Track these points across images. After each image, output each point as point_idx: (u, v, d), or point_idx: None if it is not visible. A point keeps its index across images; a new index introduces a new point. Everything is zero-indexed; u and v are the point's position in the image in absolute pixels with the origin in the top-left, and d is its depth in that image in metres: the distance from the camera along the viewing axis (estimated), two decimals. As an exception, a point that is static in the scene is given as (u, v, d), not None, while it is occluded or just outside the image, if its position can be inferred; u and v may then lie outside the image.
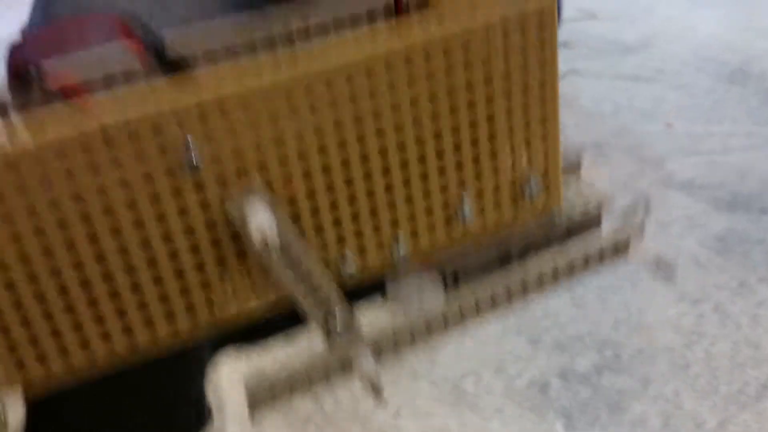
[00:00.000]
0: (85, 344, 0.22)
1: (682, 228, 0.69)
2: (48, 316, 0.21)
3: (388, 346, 0.25)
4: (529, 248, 0.28)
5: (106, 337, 0.22)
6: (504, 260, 0.28)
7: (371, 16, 0.23)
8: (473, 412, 0.51)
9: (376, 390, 0.24)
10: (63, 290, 0.21)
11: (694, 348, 0.56)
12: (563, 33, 0.83)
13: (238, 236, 0.22)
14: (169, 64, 0.21)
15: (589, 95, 0.96)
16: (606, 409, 0.51)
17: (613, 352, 0.56)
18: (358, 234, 0.24)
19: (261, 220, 0.22)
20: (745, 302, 0.61)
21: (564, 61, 0.78)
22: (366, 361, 0.24)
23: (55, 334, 0.21)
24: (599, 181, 0.29)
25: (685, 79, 1.02)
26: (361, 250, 0.24)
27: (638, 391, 0.53)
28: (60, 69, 0.21)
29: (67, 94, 0.21)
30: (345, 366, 0.24)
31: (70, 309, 0.21)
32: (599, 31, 1.19)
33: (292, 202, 0.22)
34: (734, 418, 0.50)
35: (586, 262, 0.27)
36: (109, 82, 0.21)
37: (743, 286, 0.62)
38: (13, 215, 0.20)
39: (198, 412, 0.37)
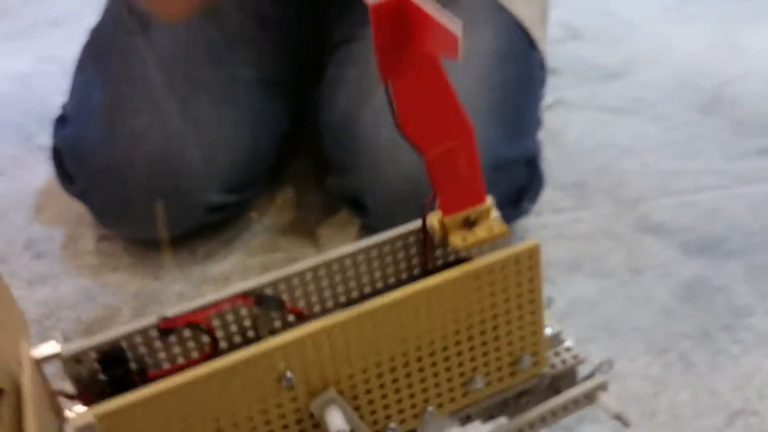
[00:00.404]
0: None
1: (653, 276, 0.78)
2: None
3: None
4: (523, 395, 0.37)
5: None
6: (505, 404, 0.37)
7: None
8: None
9: None
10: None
11: (660, 397, 0.65)
12: (551, 58, 0.90)
13: (318, 425, 0.30)
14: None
15: (573, 130, 1.04)
16: (584, 455, 0.61)
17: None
18: (400, 411, 0.32)
19: (335, 417, 0.30)
20: (705, 351, 0.70)
21: (552, 89, 0.86)
22: None
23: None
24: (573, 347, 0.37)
25: (664, 109, 1.10)
26: (402, 420, 0.32)
27: (606, 420, 0.62)
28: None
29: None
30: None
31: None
32: (583, 54, 1.26)
33: (355, 397, 0.31)
34: (692, 463, 0.60)
35: (565, 409, 0.36)
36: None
37: (705, 335, 0.71)
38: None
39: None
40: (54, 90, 1.22)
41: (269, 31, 0.78)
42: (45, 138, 1.07)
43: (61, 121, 0.79)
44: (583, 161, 0.98)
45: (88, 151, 0.71)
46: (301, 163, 0.94)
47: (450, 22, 0.24)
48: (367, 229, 0.80)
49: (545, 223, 0.85)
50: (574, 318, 0.72)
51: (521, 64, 0.75)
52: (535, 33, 0.78)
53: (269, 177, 0.86)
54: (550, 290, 0.73)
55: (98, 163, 0.70)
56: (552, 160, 0.93)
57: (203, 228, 0.81)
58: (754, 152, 0.99)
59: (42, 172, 0.97)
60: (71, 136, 0.75)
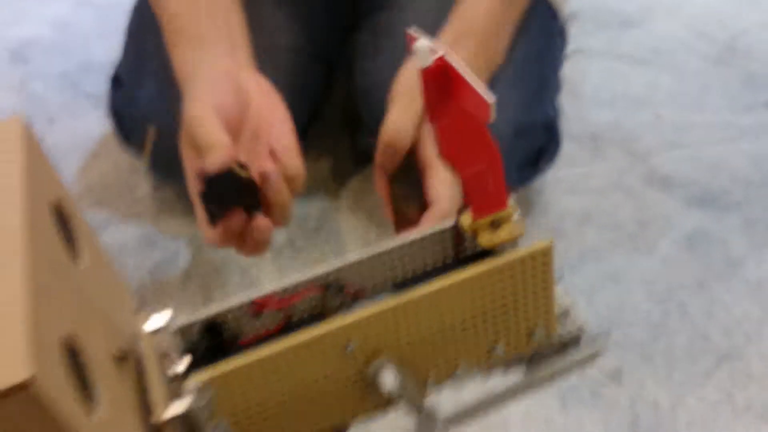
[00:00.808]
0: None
1: (657, 228, 0.86)
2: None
3: (456, 423, 0.42)
4: (536, 356, 0.45)
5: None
6: (521, 361, 0.45)
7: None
8: None
9: None
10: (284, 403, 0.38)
11: (658, 341, 0.74)
12: (572, 2, 0.96)
13: (372, 384, 0.39)
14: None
15: (590, 81, 1.10)
16: (588, 393, 0.69)
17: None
18: (437, 372, 0.40)
19: (387, 378, 0.38)
20: (701, 299, 0.78)
21: (571, 38, 0.92)
22: None
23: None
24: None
25: (678, 59, 1.15)
26: (438, 378, 0.41)
27: (613, 378, 0.71)
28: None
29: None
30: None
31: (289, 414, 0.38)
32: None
33: (401, 362, 0.39)
34: (683, 401, 0.69)
35: (570, 368, 0.44)
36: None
37: (701, 285, 0.79)
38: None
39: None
40: (94, 36, 1.28)
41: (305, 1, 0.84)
42: (91, 86, 1.14)
43: (116, 82, 0.85)
44: (599, 113, 1.04)
45: (146, 113, 0.78)
46: (327, 126, 1.00)
47: (484, 90, 0.31)
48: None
49: (560, 177, 0.92)
50: (584, 269, 0.80)
51: (544, 37, 0.80)
52: (558, 3, 0.83)
53: (302, 138, 0.93)
54: (562, 243, 0.82)
55: (154, 122, 0.78)
56: (569, 113, 0.99)
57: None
58: (761, 105, 1.05)
59: (92, 120, 1.04)
60: (128, 98, 0.82)
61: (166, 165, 0.81)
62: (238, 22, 0.70)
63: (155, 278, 0.81)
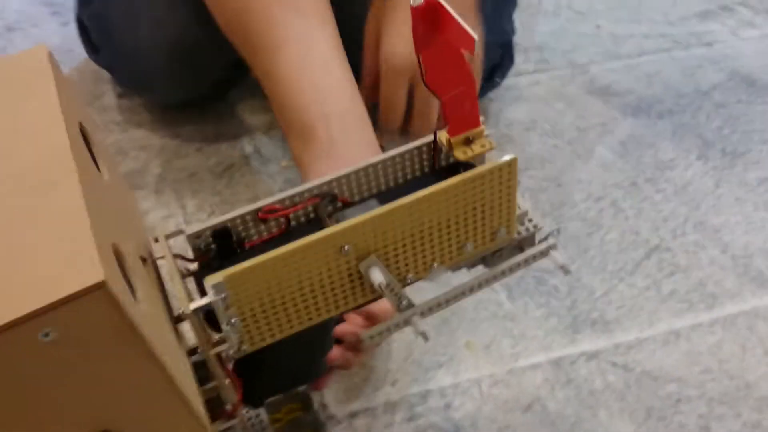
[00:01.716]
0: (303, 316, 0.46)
1: (596, 134, 0.93)
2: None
3: (429, 311, 0.49)
4: (497, 252, 0.52)
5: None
6: (484, 258, 0.52)
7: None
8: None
9: (424, 336, 0.48)
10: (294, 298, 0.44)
11: (593, 236, 0.82)
12: None
13: (363, 279, 0.46)
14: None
15: (535, -8, 1.15)
16: (534, 282, 0.78)
17: (540, 240, 0.81)
18: (415, 267, 0.47)
19: (376, 273, 0.45)
20: (632, 198, 0.86)
21: None
22: (418, 321, 0.49)
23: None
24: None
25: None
26: (416, 272, 0.48)
27: (554, 268, 0.79)
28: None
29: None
30: (406, 323, 0.48)
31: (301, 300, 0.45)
32: None
33: (387, 260, 0.46)
34: (615, 288, 0.78)
35: (526, 261, 0.51)
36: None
37: (633, 185, 0.88)
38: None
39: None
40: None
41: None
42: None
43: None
44: (545, 24, 1.10)
45: (114, 31, 0.81)
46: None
47: (469, 27, 0.37)
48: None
49: (509, 86, 0.98)
50: (530, 171, 0.88)
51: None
52: None
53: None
54: (510, 148, 0.89)
55: (124, 43, 0.81)
56: (518, 23, 1.05)
57: (212, 96, 0.93)
58: (693, 16, 1.12)
59: (53, 29, 1.06)
60: (96, 14, 0.84)
61: (135, 81, 0.85)
62: None
63: (129, 186, 0.85)
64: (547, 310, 0.76)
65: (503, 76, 0.88)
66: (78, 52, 0.93)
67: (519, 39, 1.03)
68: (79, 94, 0.96)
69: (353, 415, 0.68)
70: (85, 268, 0.31)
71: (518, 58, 1.02)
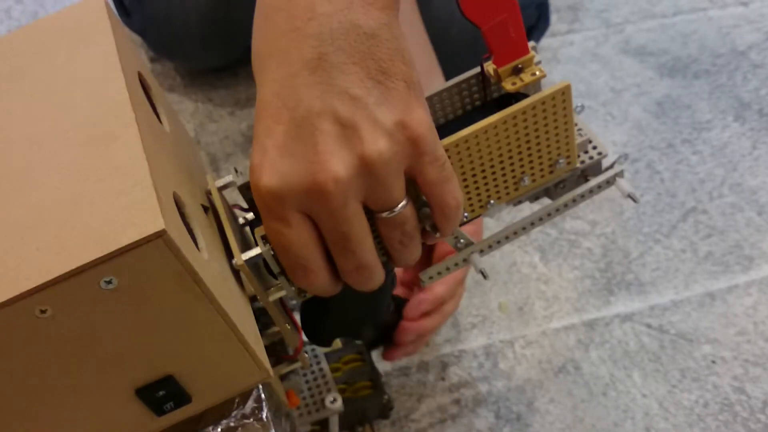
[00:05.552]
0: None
1: (631, 95, 0.92)
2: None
3: (489, 249, 0.48)
4: (560, 183, 0.49)
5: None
6: (547, 190, 0.50)
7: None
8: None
9: (483, 274, 0.47)
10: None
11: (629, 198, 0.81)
12: None
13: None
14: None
15: (569, -49, 1.13)
16: (567, 245, 0.78)
17: (573, 202, 0.81)
18: (471, 205, 0.46)
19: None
20: (669, 160, 0.85)
21: None
22: (477, 258, 0.48)
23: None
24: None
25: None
26: (473, 210, 0.46)
27: (588, 231, 0.79)
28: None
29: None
30: (465, 261, 0.47)
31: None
32: None
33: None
34: (650, 250, 0.77)
35: (591, 191, 0.49)
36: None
37: (669, 147, 0.87)
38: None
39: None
40: None
41: None
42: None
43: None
44: (577, -16, 1.07)
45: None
46: None
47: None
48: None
49: (541, 47, 0.97)
50: (563, 133, 0.87)
51: None
52: None
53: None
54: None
55: (156, 10, 0.80)
56: (549, -17, 1.03)
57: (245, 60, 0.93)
58: (730, -26, 1.09)
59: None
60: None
61: (166, 47, 0.85)
62: None
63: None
64: (581, 273, 0.76)
65: (539, 37, 0.86)
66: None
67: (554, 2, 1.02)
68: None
69: (387, 374, 0.69)
70: (145, 217, 0.31)
71: (552, 19, 1.00)
